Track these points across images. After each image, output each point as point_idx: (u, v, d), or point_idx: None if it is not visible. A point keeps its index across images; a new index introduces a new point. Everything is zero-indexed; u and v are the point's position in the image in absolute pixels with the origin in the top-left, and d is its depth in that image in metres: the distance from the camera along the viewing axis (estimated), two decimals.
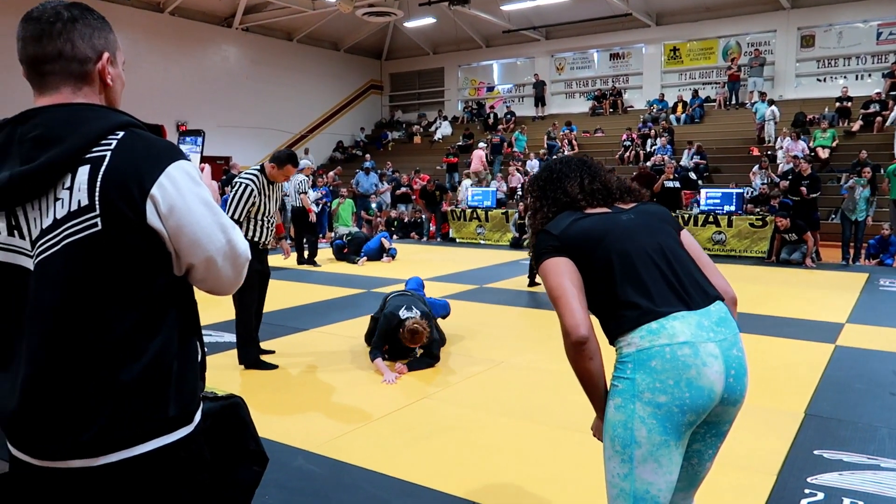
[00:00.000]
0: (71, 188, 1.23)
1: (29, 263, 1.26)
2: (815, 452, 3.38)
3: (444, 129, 22.59)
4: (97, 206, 1.23)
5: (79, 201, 1.23)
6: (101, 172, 1.23)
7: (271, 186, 4.85)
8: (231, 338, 5.78)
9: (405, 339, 4.74)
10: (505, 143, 18.84)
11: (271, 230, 4.93)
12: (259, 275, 4.91)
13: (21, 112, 1.28)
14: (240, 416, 2.06)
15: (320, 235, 12.32)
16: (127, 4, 16.67)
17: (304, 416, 4.02)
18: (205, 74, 19.44)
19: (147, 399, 1.29)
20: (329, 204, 13.77)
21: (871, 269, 9.80)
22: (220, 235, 1.34)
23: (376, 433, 3.71)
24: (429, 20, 20.63)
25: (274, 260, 11.13)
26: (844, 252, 10.61)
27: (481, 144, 18.53)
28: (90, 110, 1.29)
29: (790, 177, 11.34)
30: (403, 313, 4.83)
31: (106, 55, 1.34)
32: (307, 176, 11.01)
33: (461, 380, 4.67)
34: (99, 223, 1.23)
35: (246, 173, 4.83)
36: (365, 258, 10.89)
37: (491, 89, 24.24)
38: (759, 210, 11.63)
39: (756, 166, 13.95)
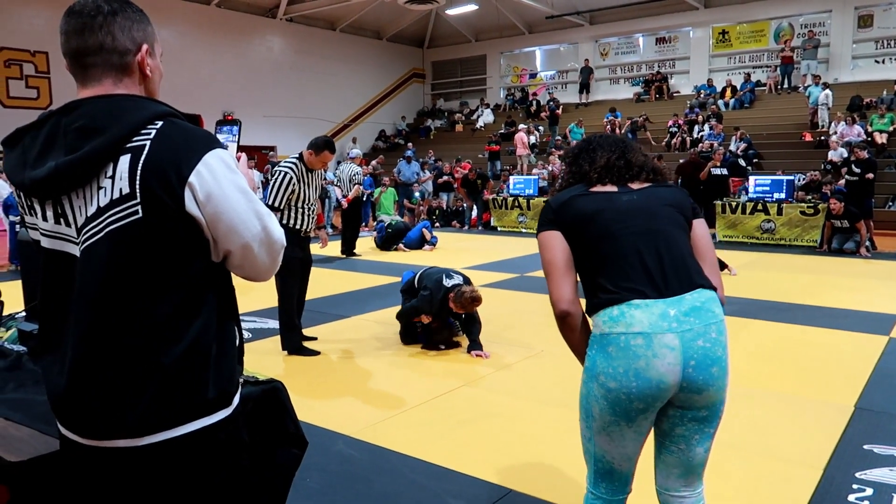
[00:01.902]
0: (113, 177, 1.27)
1: (75, 250, 1.31)
2: (865, 447, 3.27)
3: (486, 117, 22.48)
4: (138, 194, 1.26)
5: (120, 189, 1.26)
6: (141, 161, 1.26)
7: (310, 174, 4.89)
8: (275, 324, 5.89)
9: (464, 304, 4.84)
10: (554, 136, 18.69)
11: (313, 218, 4.97)
12: (301, 262, 4.99)
13: (65, 104, 1.32)
14: (280, 399, 2.10)
15: (363, 224, 12.41)
16: None
17: (345, 401, 4.08)
18: (250, 65, 19.75)
19: (187, 381, 1.33)
20: (371, 193, 13.87)
21: None
22: (255, 222, 1.36)
23: (415, 419, 3.75)
24: (471, 7, 20.51)
25: (325, 248, 11.33)
26: None
27: (522, 127, 18.36)
28: (130, 101, 1.33)
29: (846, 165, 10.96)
30: (448, 282, 4.98)
31: (145, 47, 1.37)
32: (359, 165, 10.98)
33: (501, 368, 4.67)
34: (140, 211, 1.26)
35: (285, 162, 4.88)
36: (402, 245, 10.94)
37: (533, 76, 23.99)
38: (810, 198, 11.25)
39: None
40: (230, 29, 19.16)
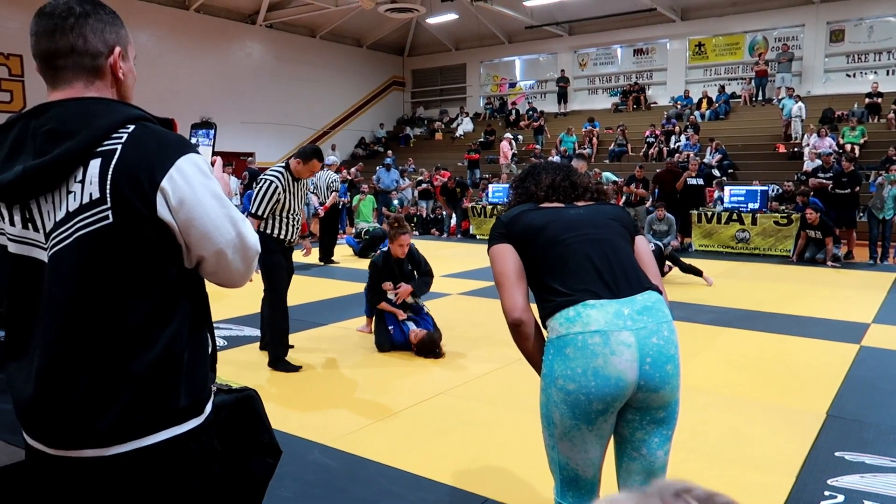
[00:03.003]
0: (83, 181, 1.25)
1: (43, 256, 1.28)
2: (837, 454, 3.32)
3: (466, 126, 22.56)
4: (108, 199, 1.24)
5: (90, 194, 1.24)
6: (112, 165, 1.24)
7: (296, 183, 4.83)
8: (251, 331, 5.84)
9: (394, 230, 5.33)
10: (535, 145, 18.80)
11: (297, 228, 4.92)
12: (287, 272, 4.97)
13: (35, 106, 1.29)
14: (254, 408, 2.07)
15: (340, 231, 12.34)
16: (152, 2, 16.88)
17: (321, 409, 4.05)
18: (229, 71, 19.63)
19: (158, 389, 1.31)
20: (349, 201, 13.82)
21: None
22: (229, 228, 1.34)
23: (392, 428, 3.72)
24: (451, 16, 20.61)
25: (302, 255, 11.24)
26: (872, 251, 10.41)
27: (507, 136, 18.45)
28: (102, 104, 1.31)
29: (819, 174, 11.19)
30: (384, 247, 5.50)
31: (118, 49, 1.35)
32: (336, 172, 10.94)
33: (478, 375, 4.66)
34: (110, 216, 1.24)
35: (271, 170, 4.81)
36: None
37: (513, 85, 24.14)
38: (784, 208, 11.44)
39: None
40: (209, 34, 19.04)
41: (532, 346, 1.89)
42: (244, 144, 19.66)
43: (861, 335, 5.69)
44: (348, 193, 14.19)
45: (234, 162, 17.23)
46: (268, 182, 4.71)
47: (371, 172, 16.87)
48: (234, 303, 7.04)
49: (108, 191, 1.24)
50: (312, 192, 11.14)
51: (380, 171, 16.10)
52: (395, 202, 15.85)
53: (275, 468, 2.09)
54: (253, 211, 4.69)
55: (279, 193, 4.71)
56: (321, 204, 10.34)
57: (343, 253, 11.11)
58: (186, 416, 1.35)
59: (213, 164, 1.63)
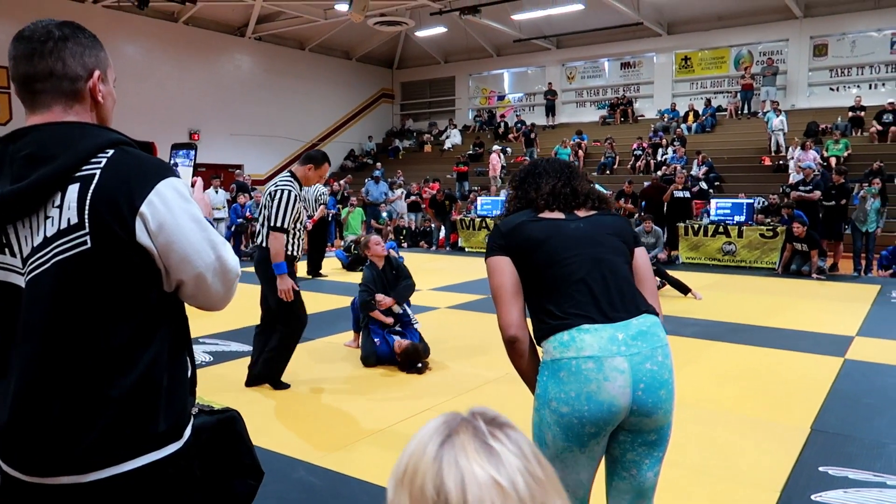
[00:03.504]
0: (61, 206, 1.24)
1: (21, 281, 1.27)
2: (821, 469, 3.33)
3: (455, 138, 22.63)
4: (87, 225, 1.24)
5: (68, 219, 1.24)
6: (90, 190, 1.24)
7: (303, 192, 4.69)
8: (238, 346, 5.81)
9: (363, 241, 5.44)
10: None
11: (302, 240, 4.69)
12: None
13: (13, 130, 1.29)
14: (235, 430, 2.06)
15: (328, 244, 12.31)
16: (142, 14, 16.86)
17: (307, 427, 4.02)
18: (218, 83, 19.61)
19: (137, 414, 1.30)
20: (337, 214, 13.83)
21: (884, 281, 9.70)
22: (209, 252, 1.34)
23: (378, 445, 3.71)
24: (440, 29, 20.71)
25: None
26: (856, 263, 10.51)
27: (495, 148, 18.53)
28: (81, 128, 1.31)
29: (800, 187, 11.31)
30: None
31: (97, 73, 1.35)
32: (324, 185, 10.95)
33: (466, 391, 4.65)
34: (88, 241, 1.24)
35: (282, 181, 4.46)
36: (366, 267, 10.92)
37: (502, 98, 24.26)
38: (769, 221, 11.54)
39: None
40: (198, 47, 19.04)
41: (526, 363, 1.88)
42: (233, 156, 19.63)
43: (845, 348, 5.73)
44: (338, 206, 14.19)
45: (223, 174, 17.17)
46: (287, 192, 4.37)
47: (360, 185, 16.89)
48: (220, 317, 7.00)
49: (86, 216, 1.24)
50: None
51: (368, 183, 16.11)
52: (384, 214, 15.86)
53: (256, 489, 2.07)
54: (278, 224, 4.34)
55: (298, 204, 4.43)
56: (309, 217, 10.33)
57: (331, 266, 11.09)
58: (165, 440, 1.34)
59: (193, 184, 1.64)
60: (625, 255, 1.92)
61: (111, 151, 1.29)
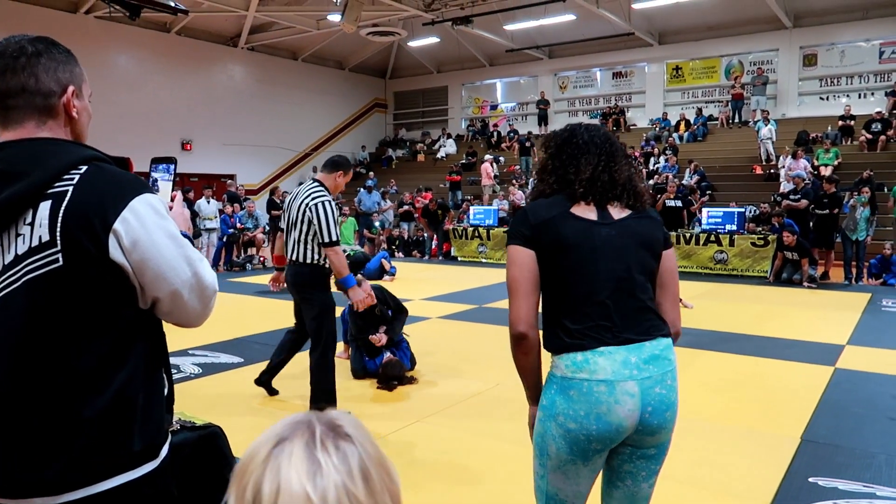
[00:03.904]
0: (32, 224, 1.23)
1: None
2: (810, 480, 3.33)
3: (448, 148, 22.68)
4: (58, 242, 1.22)
5: (40, 237, 1.23)
6: (62, 207, 1.23)
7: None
8: (228, 358, 5.78)
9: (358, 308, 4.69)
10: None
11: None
12: None
13: None
14: (217, 445, 2.05)
15: None
16: (134, 25, 16.86)
17: None
18: (211, 93, 19.61)
19: (111, 434, 1.28)
20: None
21: (874, 289, 9.74)
22: (185, 268, 1.33)
23: None
24: (432, 39, 20.80)
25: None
26: (847, 272, 10.56)
27: (487, 157, 18.56)
28: (54, 145, 1.30)
29: (790, 196, 11.37)
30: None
31: (71, 88, 1.34)
32: None
33: (455, 403, 4.63)
34: (60, 259, 1.23)
35: (316, 191, 4.15)
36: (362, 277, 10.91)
37: (494, 108, 24.34)
38: (760, 229, 11.59)
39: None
40: (190, 57, 19.04)
41: (530, 362, 1.84)
42: (225, 166, 19.62)
43: (836, 357, 5.74)
44: None
45: (215, 184, 17.15)
46: (327, 203, 4.08)
47: (353, 194, 16.89)
48: (210, 329, 6.97)
49: (58, 233, 1.23)
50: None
51: (361, 193, 16.11)
52: (377, 224, 15.86)
53: None
54: (333, 239, 4.06)
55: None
56: None
57: None
58: (141, 460, 1.33)
59: (172, 198, 1.63)
60: (651, 272, 1.86)
61: (84, 168, 1.28)
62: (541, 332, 1.83)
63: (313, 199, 4.09)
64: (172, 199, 1.62)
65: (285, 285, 4.44)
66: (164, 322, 1.41)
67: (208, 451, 1.98)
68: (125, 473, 1.30)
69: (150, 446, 1.34)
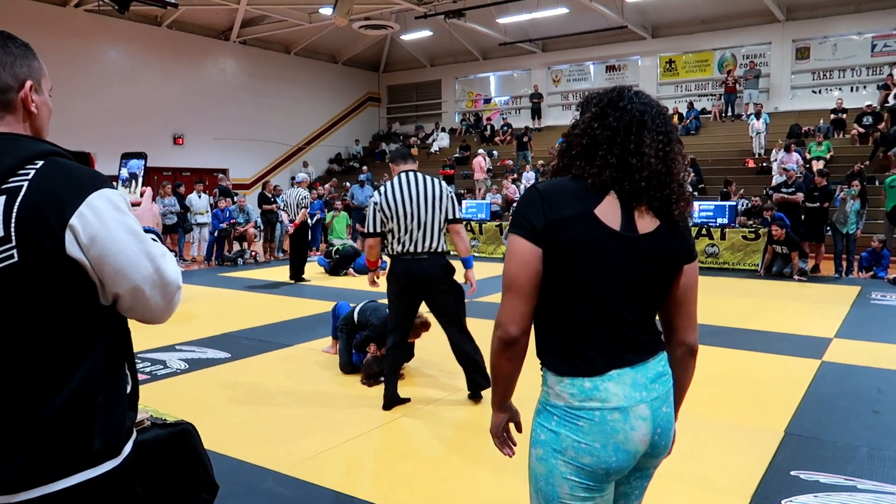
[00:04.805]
0: None
1: None
2: (792, 473, 3.33)
3: (442, 141, 22.62)
4: (13, 238, 1.21)
5: None
6: (17, 203, 1.22)
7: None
8: (214, 353, 5.76)
9: (416, 331, 4.85)
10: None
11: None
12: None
13: None
14: (189, 443, 2.03)
15: (313, 249, 12.26)
16: (124, 18, 16.73)
17: (278, 434, 3.98)
18: (202, 87, 19.50)
19: (70, 432, 1.27)
20: (323, 218, 13.78)
21: (864, 283, 9.76)
22: (146, 264, 1.32)
23: (351, 453, 3.67)
24: (425, 33, 20.71)
25: (272, 273, 11.11)
26: (837, 265, 10.59)
27: (480, 151, 18.53)
28: (9, 140, 1.28)
29: (782, 189, 11.39)
30: None
31: (29, 83, 1.33)
32: (307, 189, 10.84)
33: (442, 397, 4.63)
34: (15, 255, 1.21)
35: (442, 182, 4.45)
36: (353, 270, 10.91)
37: (488, 101, 24.30)
38: (751, 223, 11.60)
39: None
40: (182, 51, 18.91)
41: (512, 370, 1.61)
42: (217, 161, 19.53)
43: (823, 350, 5.76)
44: (324, 210, 14.14)
45: (207, 179, 17.08)
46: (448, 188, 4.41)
47: (346, 189, 16.83)
48: (199, 324, 6.95)
49: (12, 229, 1.21)
50: (283, 210, 11.08)
51: (353, 187, 16.06)
52: None
53: (212, 503, 2.04)
54: (461, 215, 4.41)
55: None
56: (291, 221, 10.28)
57: (314, 271, 11.04)
58: (101, 458, 1.31)
59: (142, 194, 1.61)
60: (664, 293, 1.64)
61: (40, 163, 1.26)
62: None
63: (445, 188, 4.32)
64: (142, 195, 1.61)
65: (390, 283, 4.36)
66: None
67: (180, 449, 1.96)
68: (85, 472, 1.29)
69: (110, 444, 1.33)
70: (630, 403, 1.54)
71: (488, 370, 1.70)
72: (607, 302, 1.54)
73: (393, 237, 4.24)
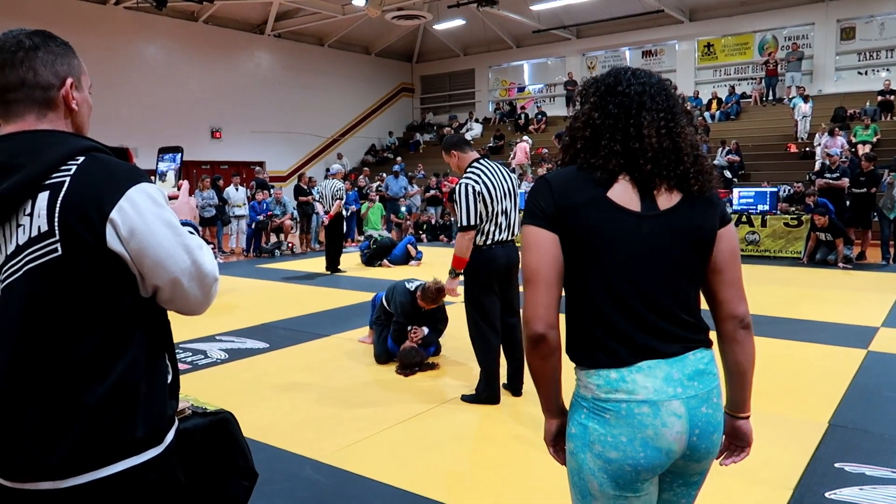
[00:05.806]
0: (31, 214, 1.25)
1: None
2: (837, 465, 3.26)
3: (475, 131, 22.54)
4: (56, 232, 1.25)
5: (39, 227, 1.25)
6: (60, 198, 1.25)
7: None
8: (253, 344, 5.85)
9: (433, 298, 4.95)
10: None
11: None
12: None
13: None
14: (229, 431, 2.06)
15: (348, 240, 12.34)
16: (162, 14, 17.04)
17: (315, 424, 4.04)
18: (238, 81, 19.77)
19: (113, 420, 1.30)
20: (358, 209, 13.89)
21: None
22: (184, 256, 1.34)
23: (386, 442, 3.71)
24: (458, 22, 20.62)
25: (309, 265, 11.25)
26: (884, 251, 10.26)
27: (525, 138, 18.42)
28: (52, 136, 1.32)
29: (826, 175, 11.08)
30: (411, 286, 5.23)
31: (69, 80, 1.36)
32: (341, 181, 10.91)
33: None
34: (59, 248, 1.25)
35: (506, 167, 4.30)
36: (387, 262, 10.97)
37: (522, 90, 24.12)
38: (794, 209, 11.31)
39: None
40: (218, 45, 19.20)
41: (549, 369, 1.53)
42: (253, 154, 19.80)
43: (869, 339, 5.60)
44: (359, 201, 14.25)
45: (244, 172, 17.33)
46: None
47: (380, 179, 16.91)
48: (238, 315, 7.08)
49: (56, 223, 1.25)
50: (318, 201, 11.18)
51: (388, 178, 16.12)
52: (404, 209, 15.88)
53: (251, 491, 2.07)
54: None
55: None
56: (326, 213, 10.37)
57: (350, 262, 11.14)
58: (144, 446, 1.35)
59: (179, 187, 1.64)
60: (699, 271, 1.56)
61: (81, 159, 1.29)
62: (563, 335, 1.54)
63: (513, 176, 4.28)
64: (179, 188, 1.64)
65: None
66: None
67: (220, 437, 1.99)
68: (129, 459, 1.32)
69: (153, 432, 1.36)
70: (661, 398, 1.46)
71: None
72: (632, 288, 1.48)
73: (493, 224, 4.06)
